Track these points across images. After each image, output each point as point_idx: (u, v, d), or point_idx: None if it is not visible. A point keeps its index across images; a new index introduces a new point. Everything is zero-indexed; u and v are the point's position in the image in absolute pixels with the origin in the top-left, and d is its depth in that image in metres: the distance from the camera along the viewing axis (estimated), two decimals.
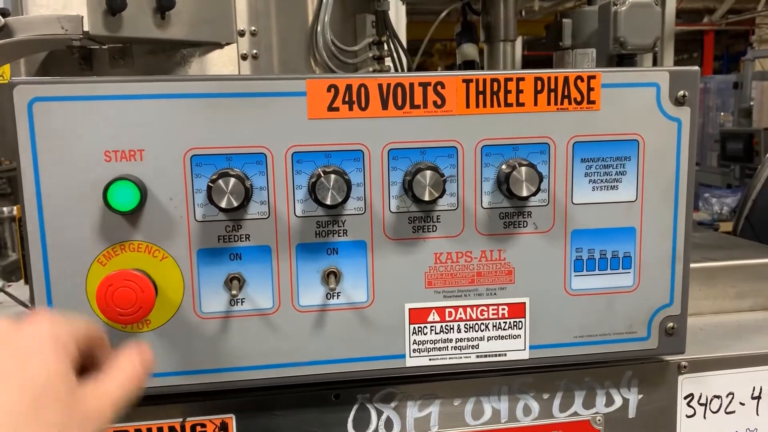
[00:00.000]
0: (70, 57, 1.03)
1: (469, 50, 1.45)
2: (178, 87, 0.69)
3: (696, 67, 0.77)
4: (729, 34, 10.74)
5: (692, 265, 0.82)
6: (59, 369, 0.44)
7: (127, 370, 0.51)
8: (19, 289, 1.12)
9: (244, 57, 1.07)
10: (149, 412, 0.75)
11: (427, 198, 0.72)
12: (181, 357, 0.73)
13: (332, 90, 0.71)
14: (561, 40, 1.32)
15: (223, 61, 1.06)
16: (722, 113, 7.28)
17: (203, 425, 0.77)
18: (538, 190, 0.73)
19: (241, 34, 1.06)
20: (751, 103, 6.84)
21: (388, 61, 1.30)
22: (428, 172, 0.71)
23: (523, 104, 0.75)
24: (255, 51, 1.07)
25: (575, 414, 0.84)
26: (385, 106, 0.73)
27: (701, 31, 10.08)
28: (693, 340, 0.87)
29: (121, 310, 0.67)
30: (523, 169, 0.72)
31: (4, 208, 3.49)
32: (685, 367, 0.85)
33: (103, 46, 1.03)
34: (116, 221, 0.70)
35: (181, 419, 0.76)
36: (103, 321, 0.70)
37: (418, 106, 0.73)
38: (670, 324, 0.81)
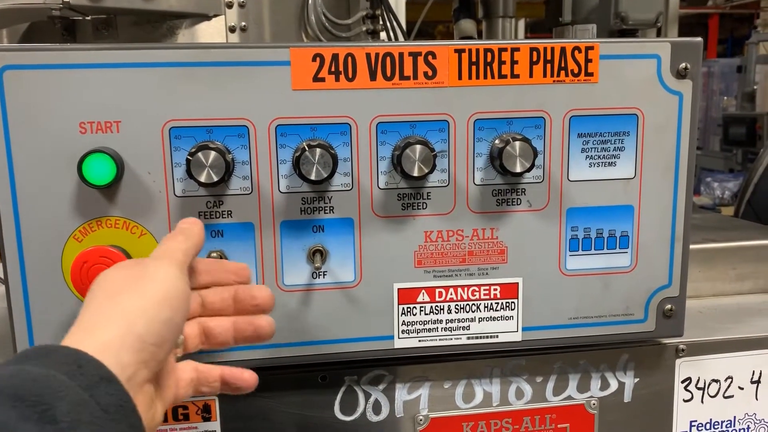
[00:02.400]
0: (52, 28, 0.99)
1: (467, 26, 1.41)
2: (156, 56, 0.66)
3: (699, 39, 0.74)
4: (733, 18, 10.61)
5: (692, 247, 0.79)
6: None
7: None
8: None
9: (232, 29, 1.03)
10: None
11: (416, 174, 0.69)
12: None
13: (317, 59, 0.68)
14: (561, 15, 1.28)
15: (210, 33, 1.02)
16: (725, 97, 7.21)
17: (185, 407, 0.74)
18: (533, 166, 0.70)
19: (229, 5, 1.02)
20: (755, 87, 6.77)
21: (383, 36, 1.27)
22: (418, 147, 0.68)
23: (517, 76, 0.71)
24: (243, 23, 1.03)
25: (569, 398, 0.81)
26: (373, 77, 0.69)
27: (706, 15, 9.97)
28: (691, 323, 0.84)
29: None
30: (517, 143, 0.69)
31: None
32: (683, 350, 0.83)
33: (87, 17, 0.99)
34: (92, 196, 0.67)
35: None
36: (79, 299, 0.68)
37: (408, 77, 0.70)
38: (668, 306, 0.78)
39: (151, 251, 0.68)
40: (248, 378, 0.59)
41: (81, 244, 0.68)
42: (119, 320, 0.48)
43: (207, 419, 0.75)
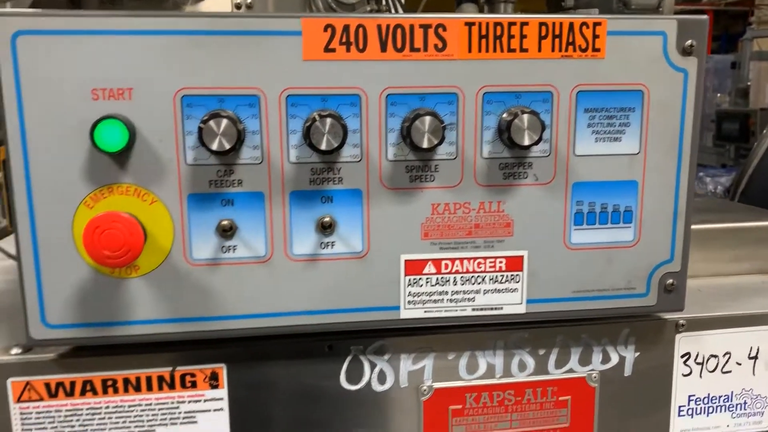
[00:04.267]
0: None
1: (469, 10, 1.41)
2: (169, 23, 0.67)
3: (705, 16, 0.75)
4: (728, 15, 10.65)
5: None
6: None
7: None
8: (7, 243, 1.10)
9: (238, 6, 1.03)
10: (138, 360, 0.74)
11: (425, 145, 0.69)
12: (170, 304, 0.71)
13: (329, 30, 0.69)
14: (563, 0, 1.29)
15: (216, 9, 1.03)
16: (719, 94, 7.25)
17: (193, 375, 0.75)
18: (540, 139, 0.71)
19: None
20: (749, 84, 6.81)
21: None
22: (427, 118, 0.69)
23: (526, 50, 0.72)
24: (249, 0, 1.04)
25: (571, 371, 0.83)
26: (384, 49, 0.70)
27: (701, 11, 10.00)
28: (691, 300, 0.86)
29: (108, 252, 0.65)
30: (525, 116, 0.70)
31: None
32: (683, 325, 0.84)
33: None
34: (104, 162, 0.68)
35: (170, 368, 0.75)
36: (91, 265, 0.68)
37: (418, 50, 0.71)
38: (670, 280, 0.79)
39: (162, 219, 0.70)
40: None
41: (92, 211, 0.68)
42: None
43: (215, 386, 0.75)
